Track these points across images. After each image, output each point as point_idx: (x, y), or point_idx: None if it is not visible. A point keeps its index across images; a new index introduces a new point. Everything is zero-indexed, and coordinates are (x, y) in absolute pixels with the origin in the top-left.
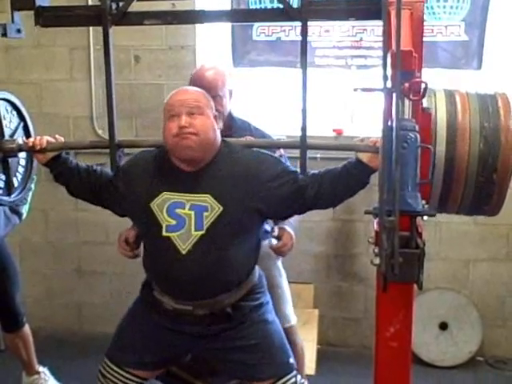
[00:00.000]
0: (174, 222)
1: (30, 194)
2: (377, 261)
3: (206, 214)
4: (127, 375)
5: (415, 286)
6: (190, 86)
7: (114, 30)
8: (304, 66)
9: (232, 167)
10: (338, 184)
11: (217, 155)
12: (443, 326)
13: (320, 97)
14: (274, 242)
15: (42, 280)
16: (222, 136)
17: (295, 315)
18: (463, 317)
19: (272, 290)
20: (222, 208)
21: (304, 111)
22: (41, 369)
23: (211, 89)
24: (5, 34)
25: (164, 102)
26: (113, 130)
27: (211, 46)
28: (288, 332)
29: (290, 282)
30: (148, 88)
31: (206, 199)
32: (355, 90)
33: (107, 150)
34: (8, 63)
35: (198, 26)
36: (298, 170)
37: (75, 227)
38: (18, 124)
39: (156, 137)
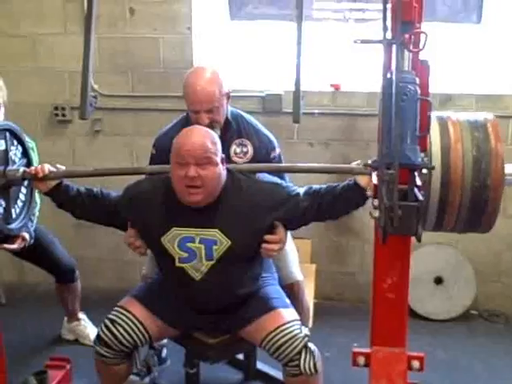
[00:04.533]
0: (185, 255)
1: (35, 219)
2: (376, 214)
3: (215, 247)
4: (138, 324)
5: (413, 238)
6: (198, 129)
7: None
8: (299, 21)
9: (237, 201)
10: (336, 205)
11: (222, 190)
12: (438, 281)
13: (317, 51)
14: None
15: None
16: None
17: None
18: (458, 271)
19: None
20: (230, 242)
21: (298, 66)
22: (81, 315)
23: (208, 102)
24: None
25: (160, 58)
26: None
27: None
28: (293, 288)
29: None
30: (143, 42)
31: (215, 234)
32: (355, 41)
33: None
34: None
35: None
36: (299, 189)
37: (72, 181)
38: (21, 157)
39: (149, 92)
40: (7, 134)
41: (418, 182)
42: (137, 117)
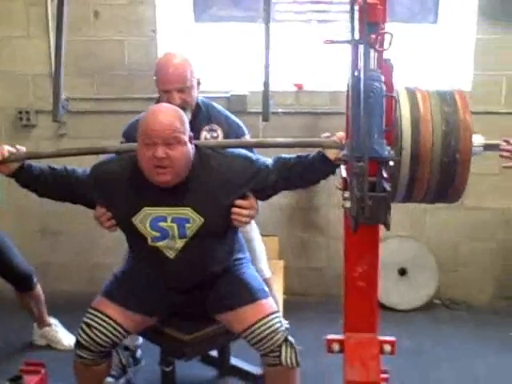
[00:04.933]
0: (158, 234)
1: None
2: (347, 204)
3: (188, 225)
4: (113, 324)
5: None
6: (165, 108)
7: None
8: (267, 21)
9: (207, 178)
10: (305, 176)
11: (192, 168)
12: (402, 272)
13: (280, 51)
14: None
15: None
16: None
17: (269, 269)
18: (421, 263)
19: (246, 245)
20: (203, 219)
21: (267, 67)
22: (52, 320)
23: (180, 81)
24: None
25: (125, 60)
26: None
27: (171, 1)
28: None
29: None
30: (108, 44)
31: (187, 212)
32: (325, 42)
33: None
34: None
35: None
36: (268, 160)
37: None
38: None
39: (114, 95)
40: None
41: (385, 174)
42: (102, 120)
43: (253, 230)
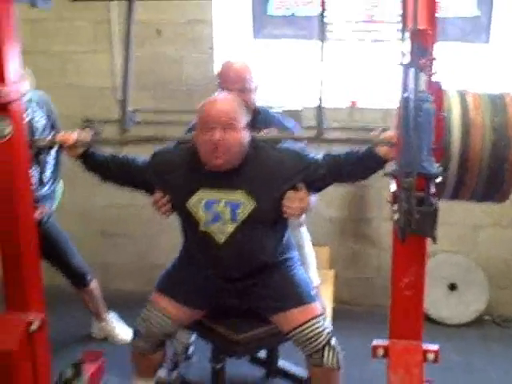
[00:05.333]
0: (210, 218)
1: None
2: (396, 216)
3: (239, 209)
4: (165, 316)
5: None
6: (223, 96)
7: (137, 6)
8: (323, 39)
9: (261, 166)
10: (354, 172)
11: (246, 156)
12: (452, 287)
13: (334, 69)
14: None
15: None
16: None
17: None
18: (471, 278)
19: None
20: (254, 204)
21: (321, 83)
22: (109, 315)
23: (240, 81)
24: (34, 4)
25: (183, 76)
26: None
27: (228, 20)
28: None
29: None
30: (167, 61)
31: (240, 196)
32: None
33: None
34: (33, 35)
35: (215, 0)
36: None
37: (100, 191)
38: (47, 121)
39: (174, 107)
40: (33, 104)
41: (433, 189)
42: (161, 130)
43: (304, 238)
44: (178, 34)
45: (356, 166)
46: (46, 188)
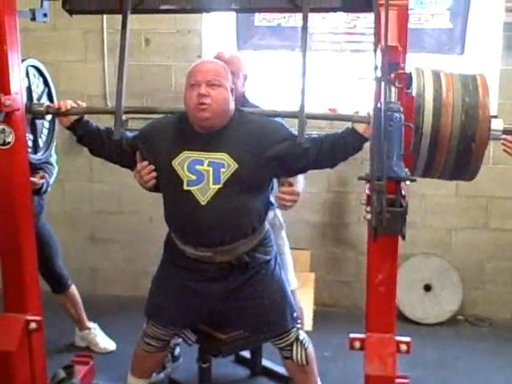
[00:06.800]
0: (193, 177)
1: (53, 147)
2: (368, 216)
3: (222, 170)
4: (162, 331)
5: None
6: (212, 59)
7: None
8: (304, 50)
9: (244, 130)
10: (335, 149)
11: (231, 120)
12: (427, 288)
13: (316, 78)
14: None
15: None
16: None
17: (296, 280)
18: (445, 280)
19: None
20: (237, 165)
21: (303, 89)
22: (91, 324)
23: (229, 65)
24: (33, 18)
25: (172, 84)
26: (120, 97)
27: (216, 30)
28: None
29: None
30: (157, 69)
31: (223, 157)
32: (359, 79)
33: None
34: (26, 44)
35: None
36: None
37: (89, 197)
38: (44, 89)
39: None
40: (29, 69)
41: (403, 192)
42: None
43: (285, 244)
44: (166, 44)
45: (336, 144)
46: (40, 154)
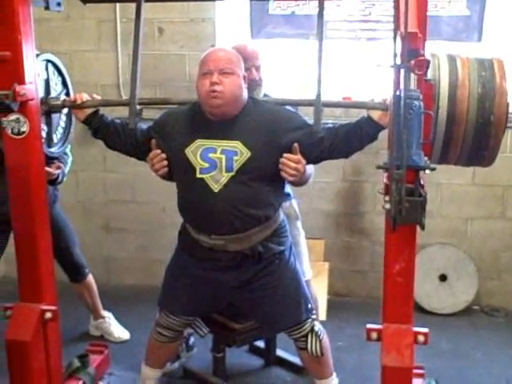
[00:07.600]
0: (206, 165)
1: (67, 167)
2: (387, 206)
3: (235, 158)
4: (174, 321)
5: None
6: (223, 47)
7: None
8: (320, 38)
9: (258, 118)
10: (350, 138)
11: (244, 108)
12: (443, 278)
13: (330, 67)
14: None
15: None
16: None
17: (310, 270)
18: (461, 269)
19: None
20: (250, 153)
21: (319, 78)
22: (106, 314)
23: (250, 58)
24: (47, 7)
25: (186, 72)
26: (135, 88)
27: (229, 19)
28: None
29: None
30: (171, 58)
31: (236, 145)
32: (378, 65)
33: None
34: (40, 34)
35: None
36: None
37: (103, 187)
38: (62, 90)
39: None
40: (49, 64)
41: (422, 181)
42: None
43: (301, 234)
44: (180, 33)
45: (352, 131)
46: (56, 148)
